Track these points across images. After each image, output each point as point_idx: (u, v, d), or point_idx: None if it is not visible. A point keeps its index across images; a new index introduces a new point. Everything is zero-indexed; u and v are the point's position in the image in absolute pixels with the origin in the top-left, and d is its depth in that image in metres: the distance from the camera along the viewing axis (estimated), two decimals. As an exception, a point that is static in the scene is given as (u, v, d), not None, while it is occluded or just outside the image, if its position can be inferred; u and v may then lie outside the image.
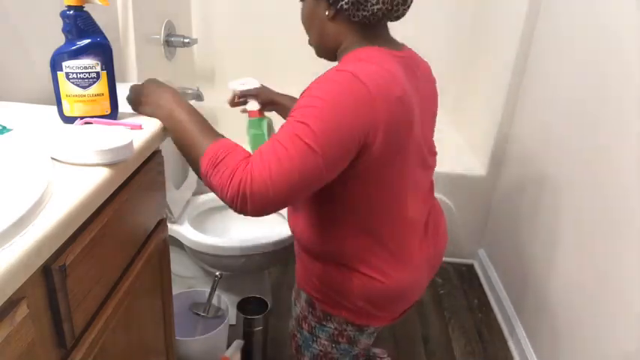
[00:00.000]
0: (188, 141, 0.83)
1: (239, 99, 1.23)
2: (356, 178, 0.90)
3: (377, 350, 1.38)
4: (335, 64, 0.93)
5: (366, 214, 0.95)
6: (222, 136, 0.84)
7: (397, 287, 1.00)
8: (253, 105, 1.19)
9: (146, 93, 0.88)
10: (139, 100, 0.88)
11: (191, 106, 0.87)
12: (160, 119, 0.86)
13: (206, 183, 0.82)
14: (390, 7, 0.90)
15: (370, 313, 1.01)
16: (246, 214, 0.80)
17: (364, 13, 0.90)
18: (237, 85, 1.21)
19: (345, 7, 0.90)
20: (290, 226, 1.08)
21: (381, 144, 0.86)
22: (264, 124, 1.21)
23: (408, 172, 0.94)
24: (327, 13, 0.93)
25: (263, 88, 1.26)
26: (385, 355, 1.37)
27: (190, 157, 0.83)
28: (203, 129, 0.83)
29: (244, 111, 1.24)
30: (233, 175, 0.78)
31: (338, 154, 0.82)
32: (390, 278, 0.99)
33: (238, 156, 0.80)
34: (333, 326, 1.05)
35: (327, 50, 1.01)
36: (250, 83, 1.23)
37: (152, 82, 0.89)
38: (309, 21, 1.00)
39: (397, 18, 0.94)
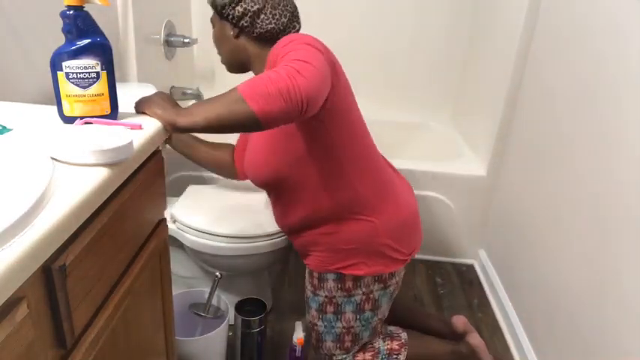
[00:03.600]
0: (218, 100, 0.86)
1: None
2: (335, 118, 1.07)
3: (392, 328, 1.43)
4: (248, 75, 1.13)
5: (353, 156, 1.12)
6: None
7: (407, 211, 1.22)
8: None
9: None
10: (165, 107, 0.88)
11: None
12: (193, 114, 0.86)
13: (255, 98, 0.83)
14: (282, 27, 1.14)
15: (393, 254, 1.19)
16: (306, 94, 0.84)
17: (260, 30, 1.13)
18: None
19: (244, 24, 1.13)
20: (291, 223, 1.24)
21: (339, 82, 1.05)
22: None
23: (359, 116, 1.15)
24: (231, 32, 1.17)
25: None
26: (401, 331, 1.41)
27: (228, 105, 0.84)
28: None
29: None
30: (273, 71, 0.87)
31: (328, 62, 0.98)
32: (400, 206, 1.21)
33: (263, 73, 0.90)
34: (361, 292, 1.21)
35: (237, 64, 1.23)
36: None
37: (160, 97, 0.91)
38: (219, 42, 1.23)
39: (296, 32, 1.17)
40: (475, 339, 1.48)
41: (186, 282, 1.63)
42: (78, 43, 0.77)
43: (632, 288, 1.06)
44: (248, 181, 1.42)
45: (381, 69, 2.39)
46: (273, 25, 1.13)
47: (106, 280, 0.70)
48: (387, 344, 1.35)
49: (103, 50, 0.79)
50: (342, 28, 2.28)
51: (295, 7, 1.18)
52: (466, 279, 2.02)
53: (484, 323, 1.75)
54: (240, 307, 1.42)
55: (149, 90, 1.26)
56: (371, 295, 1.23)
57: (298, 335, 1.40)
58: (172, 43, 1.89)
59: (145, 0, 1.62)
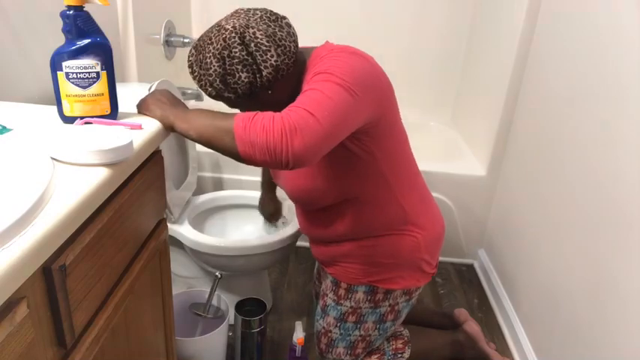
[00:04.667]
0: (212, 120, 0.83)
1: None
2: (380, 139, 1.03)
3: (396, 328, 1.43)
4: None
5: (398, 172, 1.10)
6: None
7: (442, 225, 1.23)
8: None
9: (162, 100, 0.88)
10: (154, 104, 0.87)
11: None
12: (180, 117, 0.85)
13: (243, 141, 0.80)
14: (294, 42, 0.97)
15: (426, 267, 1.19)
16: (298, 148, 0.79)
17: (292, 60, 0.96)
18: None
19: (283, 74, 0.95)
20: (326, 235, 1.18)
21: (383, 104, 0.99)
22: None
23: (402, 130, 1.12)
24: (269, 92, 0.98)
25: None
26: (402, 328, 1.42)
27: (218, 132, 0.82)
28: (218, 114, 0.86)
29: None
30: (274, 118, 0.80)
31: (368, 94, 0.91)
32: (437, 220, 1.21)
33: (269, 112, 0.82)
34: (387, 304, 1.21)
35: (286, 102, 0.95)
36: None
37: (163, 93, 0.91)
38: (261, 109, 0.92)
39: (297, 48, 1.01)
40: (471, 327, 1.51)
41: (186, 282, 1.63)
42: (78, 43, 0.77)
43: (632, 288, 1.06)
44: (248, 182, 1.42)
45: (381, 69, 2.39)
46: (292, 46, 0.97)
47: (106, 280, 0.70)
48: (392, 344, 1.35)
49: (103, 50, 0.79)
50: (342, 27, 2.28)
51: (288, 25, 1.02)
52: (466, 279, 2.02)
53: (484, 323, 1.75)
54: (240, 307, 1.42)
55: (162, 86, 1.27)
56: (396, 307, 1.23)
57: (298, 335, 1.40)
58: (172, 43, 1.89)
59: (145, 0, 1.62)
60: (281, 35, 0.94)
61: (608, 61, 1.23)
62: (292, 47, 0.96)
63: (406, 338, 1.38)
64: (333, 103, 0.84)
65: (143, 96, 0.90)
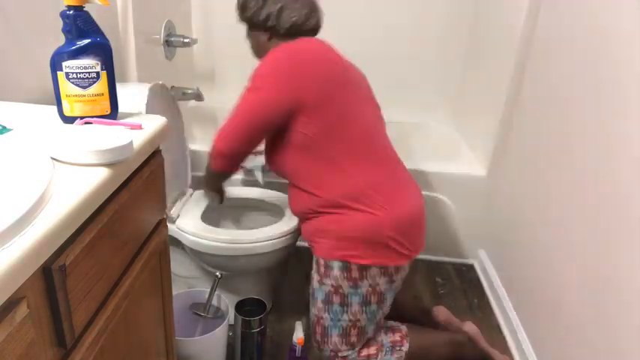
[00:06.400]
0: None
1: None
2: (325, 130, 1.22)
3: (391, 322, 1.45)
4: None
5: (353, 155, 1.24)
6: None
7: (412, 210, 1.27)
8: None
9: None
10: None
11: None
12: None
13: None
14: (304, 19, 1.28)
15: (398, 247, 1.23)
16: (218, 156, 1.27)
17: (285, 26, 1.28)
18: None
19: (272, 25, 1.28)
20: (299, 210, 1.34)
21: (311, 86, 1.19)
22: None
23: (364, 112, 1.28)
24: (265, 37, 1.32)
25: None
26: (400, 324, 1.43)
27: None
28: None
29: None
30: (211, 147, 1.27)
31: (281, 85, 1.19)
32: (405, 205, 1.26)
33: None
34: (367, 283, 1.25)
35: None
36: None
37: None
38: (257, 51, 1.38)
39: (314, 31, 1.34)
40: (471, 327, 1.52)
41: (186, 282, 1.63)
42: (78, 43, 0.77)
43: (632, 288, 1.06)
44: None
45: (381, 69, 2.38)
46: (295, 19, 1.27)
47: (106, 280, 0.70)
48: (390, 337, 1.37)
49: (103, 50, 0.79)
50: (342, 27, 2.28)
51: (313, 1, 1.32)
52: (466, 279, 2.02)
53: (484, 323, 1.75)
54: (240, 307, 1.42)
55: (155, 89, 1.31)
56: (377, 288, 1.27)
57: (298, 335, 1.40)
58: (172, 43, 1.89)
59: (145, 0, 1.62)
60: (293, 6, 1.28)
61: (608, 61, 1.23)
62: (294, 18, 1.28)
63: (404, 332, 1.39)
64: (242, 112, 1.21)
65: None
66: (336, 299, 1.28)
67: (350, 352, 1.32)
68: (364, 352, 1.33)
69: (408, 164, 1.93)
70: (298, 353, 1.41)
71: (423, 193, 1.97)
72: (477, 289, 1.95)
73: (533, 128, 1.64)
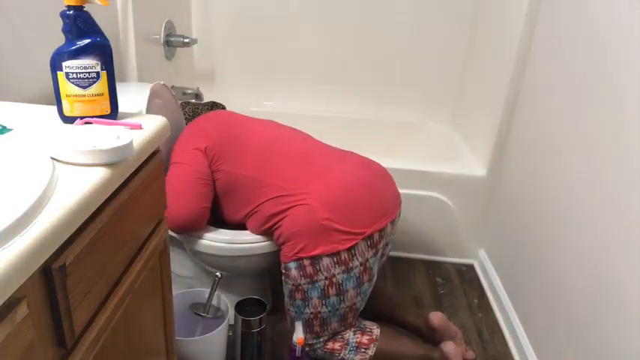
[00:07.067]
0: None
1: None
2: (223, 159, 1.38)
3: (367, 322, 1.45)
4: None
5: (255, 168, 1.36)
6: None
7: (343, 187, 1.31)
8: None
9: None
10: None
11: None
12: None
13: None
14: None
15: (339, 226, 1.26)
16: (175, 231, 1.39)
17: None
18: None
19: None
20: (256, 229, 1.41)
21: (214, 149, 1.38)
22: None
23: (253, 138, 1.41)
24: None
25: None
26: (375, 327, 1.43)
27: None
28: None
29: None
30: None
31: (189, 152, 1.37)
32: (332, 184, 1.31)
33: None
34: (323, 276, 1.29)
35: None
36: None
37: None
38: None
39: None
40: (449, 347, 1.44)
41: (186, 282, 1.63)
42: (78, 43, 0.77)
43: (632, 288, 1.06)
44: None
45: (381, 69, 2.39)
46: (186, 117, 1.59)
47: (106, 280, 0.70)
48: (357, 337, 1.39)
49: (103, 50, 0.79)
50: (342, 27, 2.28)
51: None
52: (466, 279, 2.02)
53: (484, 323, 1.75)
54: (240, 307, 1.42)
55: (156, 88, 1.32)
56: (334, 279, 1.29)
57: (298, 335, 1.40)
58: (172, 43, 1.89)
59: (144, 0, 1.63)
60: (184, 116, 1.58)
61: (608, 60, 1.23)
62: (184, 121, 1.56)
63: (374, 337, 1.40)
64: (170, 183, 1.32)
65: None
66: (297, 295, 1.34)
67: (315, 341, 1.39)
68: (329, 345, 1.38)
69: (408, 164, 1.95)
70: (298, 353, 1.41)
71: (424, 193, 1.99)
72: (477, 289, 1.95)
73: (533, 128, 1.64)
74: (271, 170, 1.36)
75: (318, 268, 1.28)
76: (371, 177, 1.37)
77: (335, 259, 1.27)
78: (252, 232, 1.43)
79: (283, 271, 1.36)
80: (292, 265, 1.31)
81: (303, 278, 1.31)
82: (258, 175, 1.35)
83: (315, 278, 1.30)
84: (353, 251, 1.27)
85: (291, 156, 1.38)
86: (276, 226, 1.34)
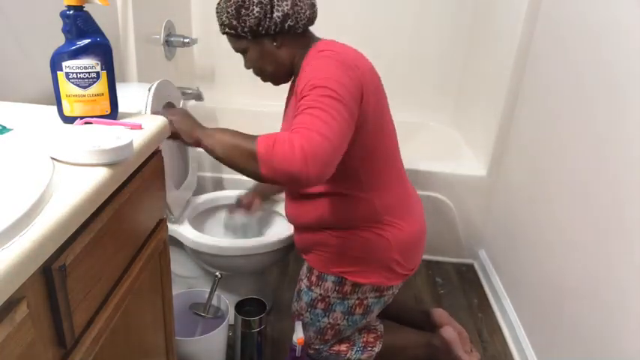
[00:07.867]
0: (237, 141, 0.93)
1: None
2: (362, 141, 1.07)
3: (371, 321, 1.45)
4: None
5: (370, 171, 1.14)
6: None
7: (419, 229, 1.24)
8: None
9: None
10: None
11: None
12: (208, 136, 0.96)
13: (267, 166, 0.89)
14: (312, 12, 1.10)
15: (397, 268, 1.20)
16: (315, 175, 0.87)
17: (304, 21, 1.08)
18: None
19: (291, 24, 1.06)
20: (305, 220, 1.24)
21: (370, 99, 1.04)
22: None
23: (390, 131, 1.18)
24: (274, 44, 1.10)
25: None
26: (378, 323, 1.43)
27: (243, 155, 0.91)
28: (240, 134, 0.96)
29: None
30: (293, 146, 0.86)
31: (356, 104, 0.99)
32: (413, 223, 1.23)
33: (286, 134, 0.89)
34: (355, 297, 1.24)
35: (285, 74, 1.17)
36: None
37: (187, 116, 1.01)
38: (261, 62, 1.13)
39: (312, 22, 1.13)
40: (448, 332, 1.47)
41: (186, 282, 1.63)
42: (78, 43, 0.77)
43: (632, 288, 1.06)
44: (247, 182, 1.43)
45: (381, 69, 2.36)
46: (308, 12, 1.09)
47: (106, 280, 0.70)
48: (364, 337, 1.38)
49: (103, 50, 0.79)
50: (342, 27, 2.28)
51: None
52: (466, 279, 2.02)
53: (484, 323, 1.75)
54: (240, 307, 1.42)
55: (161, 86, 1.30)
56: (365, 302, 1.26)
57: (298, 335, 1.40)
58: (172, 43, 1.89)
59: (145, 0, 1.63)
60: None
61: (608, 60, 1.23)
62: (307, 12, 1.08)
63: (379, 333, 1.40)
64: (337, 123, 0.91)
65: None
66: (320, 306, 1.28)
67: (321, 347, 1.35)
68: (335, 348, 1.36)
69: (408, 164, 1.93)
70: (298, 353, 1.41)
71: (423, 193, 1.98)
72: (477, 289, 1.95)
73: (533, 128, 1.64)
74: (379, 188, 1.17)
75: (356, 290, 1.24)
76: (424, 222, 1.31)
77: (375, 287, 1.24)
78: (292, 212, 1.26)
79: (313, 277, 1.27)
80: (331, 278, 1.24)
81: (336, 293, 1.25)
82: (364, 183, 1.15)
83: (349, 297, 1.25)
84: (390, 286, 1.27)
85: (396, 176, 1.21)
86: (334, 233, 1.20)
